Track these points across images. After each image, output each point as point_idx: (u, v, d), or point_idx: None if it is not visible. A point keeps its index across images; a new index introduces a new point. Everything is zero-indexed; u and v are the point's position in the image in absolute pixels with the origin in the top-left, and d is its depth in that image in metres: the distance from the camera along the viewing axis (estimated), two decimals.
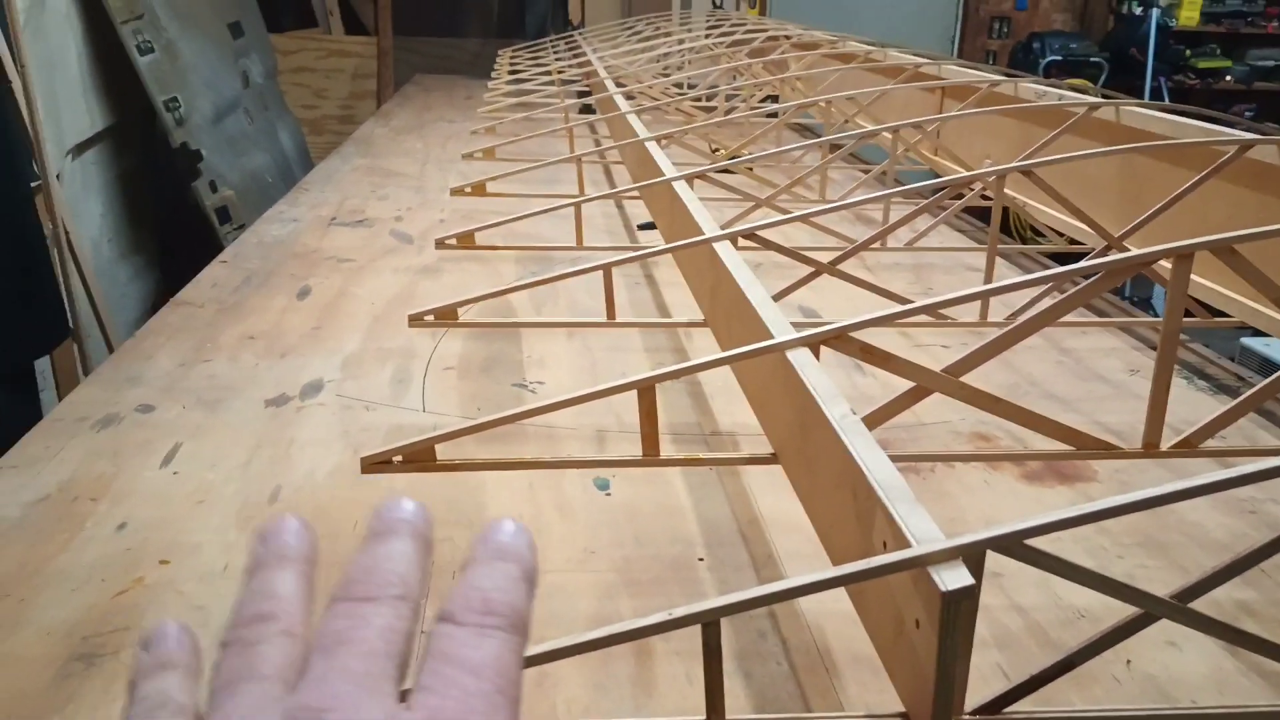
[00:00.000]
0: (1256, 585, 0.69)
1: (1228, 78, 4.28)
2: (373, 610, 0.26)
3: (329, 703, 0.24)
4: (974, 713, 0.43)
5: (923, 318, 0.96)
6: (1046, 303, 0.67)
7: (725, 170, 1.61)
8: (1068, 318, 1.23)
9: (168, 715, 0.25)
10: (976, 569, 0.41)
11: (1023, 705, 0.44)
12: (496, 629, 0.26)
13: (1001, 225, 0.98)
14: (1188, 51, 4.28)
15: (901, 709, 0.44)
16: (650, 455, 0.68)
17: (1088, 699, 0.58)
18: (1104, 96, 1.25)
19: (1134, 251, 0.66)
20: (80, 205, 2.28)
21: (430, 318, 0.88)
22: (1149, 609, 0.43)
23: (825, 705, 0.57)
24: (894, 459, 0.72)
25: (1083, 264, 0.68)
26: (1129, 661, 0.61)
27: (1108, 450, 0.68)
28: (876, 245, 1.20)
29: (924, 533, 0.43)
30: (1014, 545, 0.41)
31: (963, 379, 0.63)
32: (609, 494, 0.78)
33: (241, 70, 3.10)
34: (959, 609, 0.39)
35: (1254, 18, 4.36)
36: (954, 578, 0.40)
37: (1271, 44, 4.39)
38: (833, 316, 0.81)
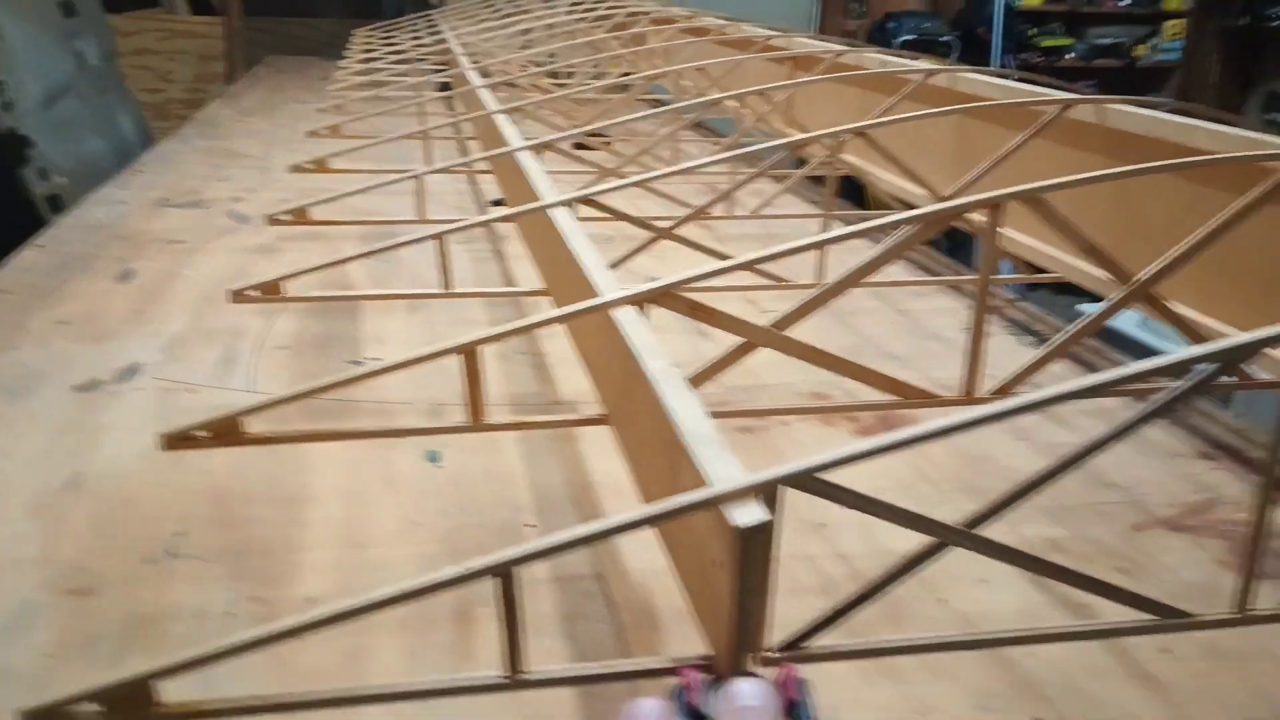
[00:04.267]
0: (1064, 522, 0.72)
1: (1070, 55, 4.48)
2: None
3: None
4: (776, 650, 0.43)
5: (764, 280, 0.97)
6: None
7: (583, 147, 1.60)
8: (894, 276, 1.25)
9: None
10: (772, 505, 0.41)
11: (828, 640, 0.45)
12: None
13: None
14: (1032, 30, 4.46)
15: (705, 652, 0.43)
16: (476, 421, 0.66)
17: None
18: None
19: (950, 203, 0.67)
20: None
21: (255, 293, 0.84)
22: (941, 537, 0.43)
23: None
24: (719, 414, 0.72)
25: (900, 215, 0.69)
26: (944, 600, 0.63)
27: (930, 399, 0.69)
28: (721, 214, 1.21)
29: (723, 474, 0.42)
30: (807, 480, 0.41)
31: (796, 338, 0.64)
32: (441, 465, 0.76)
33: (75, 52, 2.93)
34: (753, 545, 0.39)
35: None
36: (748, 514, 0.39)
37: (1110, 22, 4.61)
38: None
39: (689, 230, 0.97)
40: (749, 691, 0.31)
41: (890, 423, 0.87)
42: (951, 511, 0.58)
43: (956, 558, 0.67)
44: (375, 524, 0.68)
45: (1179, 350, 0.44)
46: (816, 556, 0.68)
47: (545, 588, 0.63)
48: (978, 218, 0.77)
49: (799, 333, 0.66)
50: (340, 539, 0.67)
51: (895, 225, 0.68)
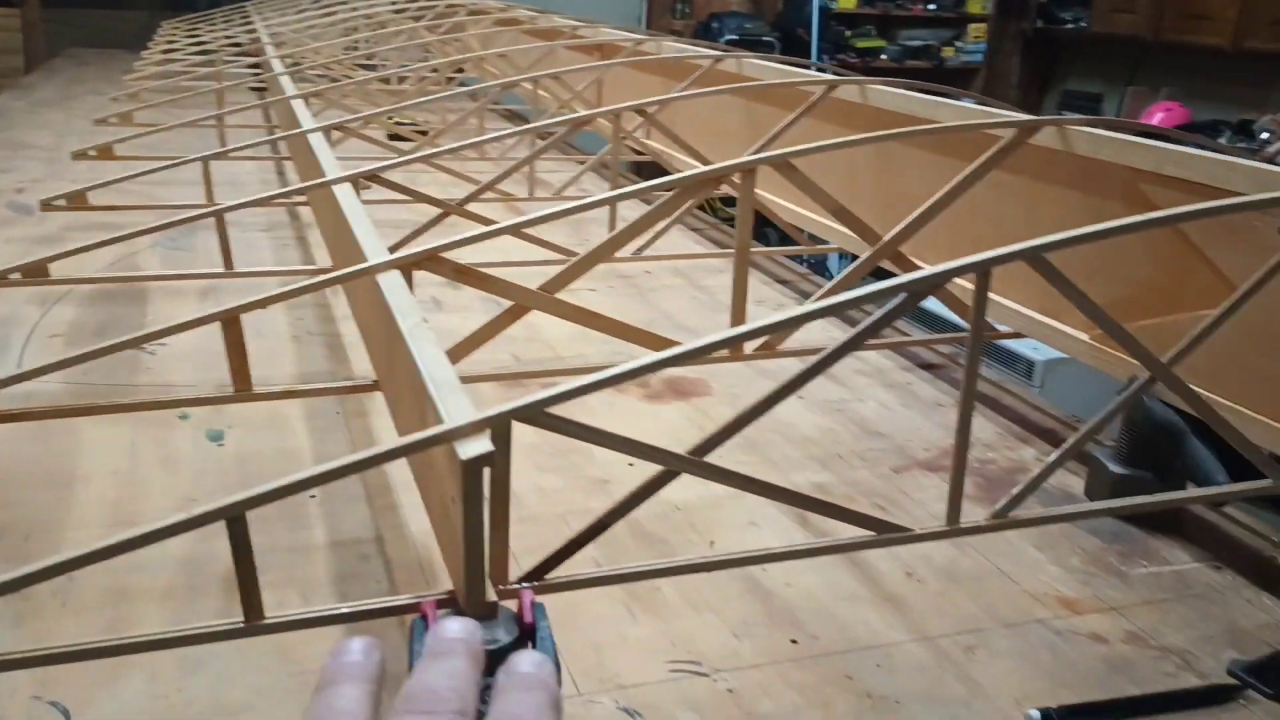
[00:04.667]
0: (831, 468, 0.76)
1: (883, 56, 4.69)
2: None
3: None
4: (516, 582, 0.45)
5: (552, 255, 0.99)
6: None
7: (399, 138, 1.59)
8: (678, 248, 1.29)
9: None
10: (503, 441, 0.43)
11: (571, 570, 0.47)
12: None
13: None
14: (848, 32, 4.66)
15: (451, 589, 0.45)
16: (241, 390, 0.66)
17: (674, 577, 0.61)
18: None
19: (708, 168, 0.71)
20: None
21: (16, 276, 0.80)
22: (670, 465, 0.46)
23: None
24: (488, 378, 0.74)
25: (669, 179, 0.72)
26: (712, 542, 0.66)
27: (699, 357, 0.73)
28: (521, 196, 1.23)
29: (458, 413, 0.44)
30: (536, 414, 0.43)
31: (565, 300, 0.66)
32: (222, 444, 0.75)
33: None
34: (480, 476, 0.41)
35: (903, 1, 4.80)
36: (473, 447, 0.41)
37: (919, 25, 4.86)
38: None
39: (498, 214, 0.97)
40: (452, 627, 0.32)
41: (676, 389, 0.90)
42: (729, 463, 0.61)
43: (729, 504, 0.71)
44: (149, 503, 0.67)
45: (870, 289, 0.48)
46: (597, 511, 0.70)
47: (321, 552, 0.63)
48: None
49: (599, 307, 0.68)
50: (109, 518, 0.65)
51: (666, 189, 0.71)
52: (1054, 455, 0.52)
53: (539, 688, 0.30)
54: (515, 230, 0.67)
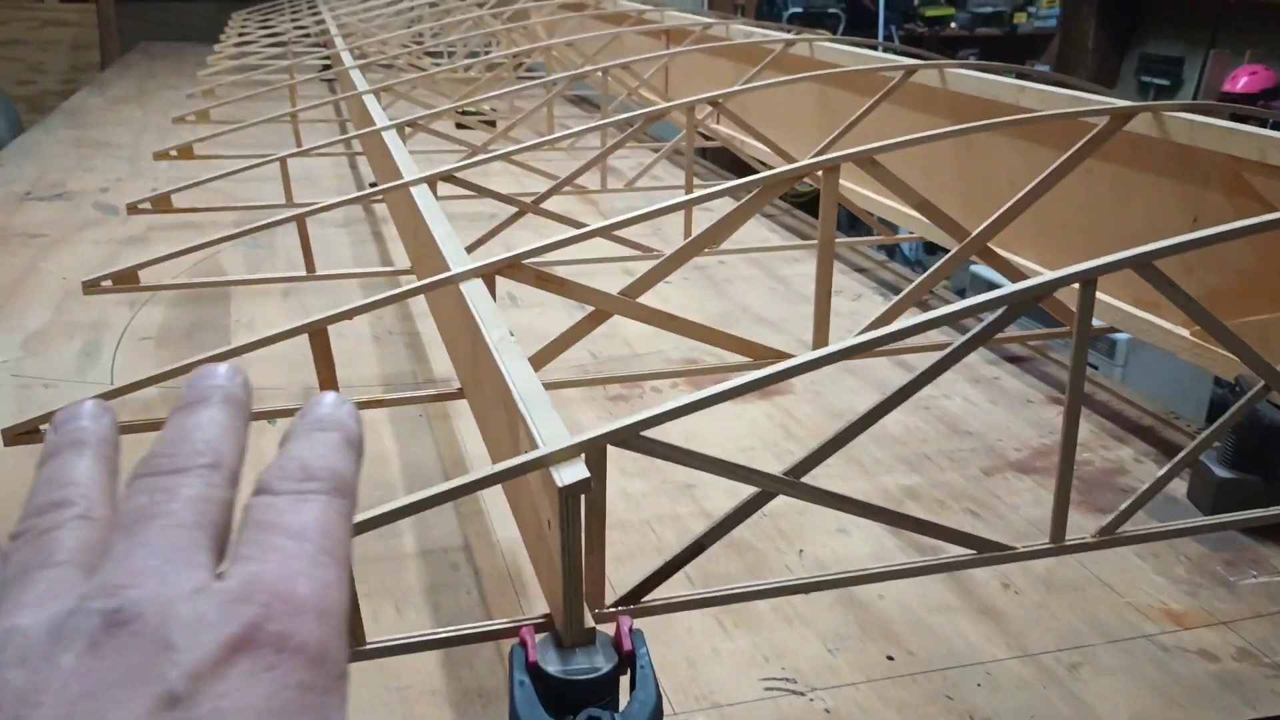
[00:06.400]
0: (920, 470, 0.75)
1: (952, 24, 4.58)
2: (179, 481, 0.24)
3: (131, 579, 0.21)
4: (613, 605, 0.45)
5: (630, 252, 0.98)
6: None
7: (464, 126, 1.59)
8: (753, 236, 1.27)
9: (72, 492, 0.24)
10: (598, 465, 0.42)
11: (667, 592, 0.46)
12: (316, 493, 0.24)
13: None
14: (916, 0, 4.55)
15: (547, 612, 0.45)
16: None
17: None
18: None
19: (789, 167, 0.69)
20: None
21: (108, 283, 0.82)
22: (764, 486, 0.45)
23: None
24: (573, 384, 0.73)
25: (748, 179, 0.71)
26: (801, 550, 0.65)
27: (780, 358, 0.71)
28: (598, 188, 1.22)
29: (551, 435, 0.43)
30: (631, 437, 0.43)
31: (670, 306, 0.65)
32: None
33: None
34: (578, 502, 0.40)
35: None
36: (571, 473, 0.40)
37: None
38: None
39: (571, 206, 0.97)
40: (217, 371, 0.27)
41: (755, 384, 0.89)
42: (817, 469, 0.60)
43: (817, 510, 0.69)
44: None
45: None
46: (683, 516, 0.69)
47: (411, 561, 0.63)
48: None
49: (675, 300, 0.67)
50: None
51: (747, 189, 0.70)
52: (1164, 469, 0.50)
53: (332, 427, 0.26)
54: (604, 233, 0.66)
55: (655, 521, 0.68)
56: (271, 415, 0.75)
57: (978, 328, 0.47)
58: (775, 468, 0.46)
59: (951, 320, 0.47)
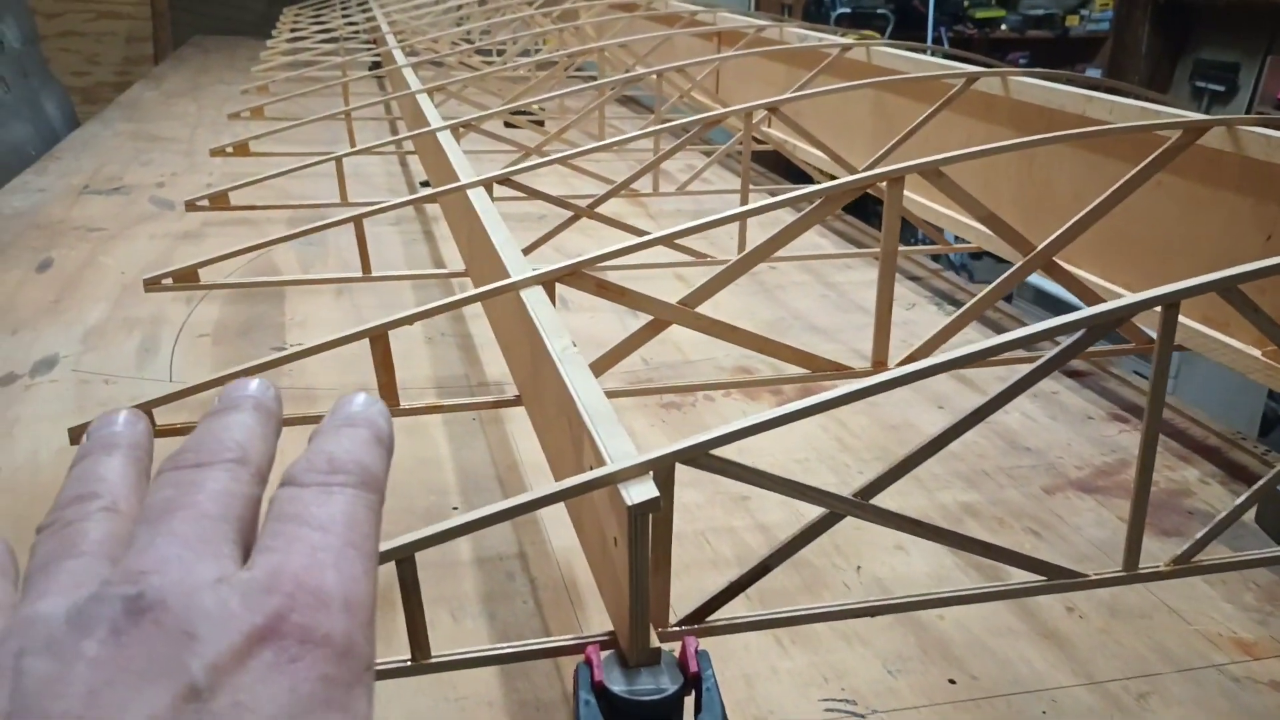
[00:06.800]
0: (979, 487, 0.73)
1: (1003, 27, 4.52)
2: (205, 474, 0.24)
3: (154, 566, 0.21)
4: (677, 625, 0.44)
5: (684, 257, 0.98)
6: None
7: (514, 125, 1.59)
8: (822, 249, 1.26)
9: (99, 487, 0.24)
10: (666, 483, 0.42)
11: (730, 612, 0.46)
12: (344, 486, 0.24)
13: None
14: (966, 2, 4.49)
15: (611, 629, 0.44)
16: (389, 406, 0.66)
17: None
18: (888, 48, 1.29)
19: (853, 178, 0.68)
20: None
21: (168, 281, 0.83)
22: (832, 507, 0.44)
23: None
24: (628, 393, 0.73)
25: (803, 190, 0.70)
26: (859, 567, 0.64)
27: (839, 370, 0.71)
28: (647, 191, 1.22)
29: (619, 452, 0.43)
30: (699, 456, 0.42)
31: (721, 313, 0.65)
32: None
33: None
34: (646, 521, 0.40)
35: None
36: (640, 491, 0.40)
37: None
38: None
39: (621, 208, 0.97)
40: (249, 385, 0.28)
41: (812, 395, 0.88)
42: (870, 480, 0.59)
43: (875, 526, 0.69)
44: None
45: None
46: (738, 529, 0.69)
47: (467, 569, 0.63)
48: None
49: (726, 306, 0.67)
50: None
51: (809, 199, 0.69)
52: (1242, 497, 0.49)
53: (362, 424, 0.26)
54: (665, 242, 0.65)
55: (710, 533, 0.67)
56: (315, 420, 0.75)
57: (1053, 351, 0.46)
58: (831, 481, 0.45)
59: (1025, 343, 0.46)
